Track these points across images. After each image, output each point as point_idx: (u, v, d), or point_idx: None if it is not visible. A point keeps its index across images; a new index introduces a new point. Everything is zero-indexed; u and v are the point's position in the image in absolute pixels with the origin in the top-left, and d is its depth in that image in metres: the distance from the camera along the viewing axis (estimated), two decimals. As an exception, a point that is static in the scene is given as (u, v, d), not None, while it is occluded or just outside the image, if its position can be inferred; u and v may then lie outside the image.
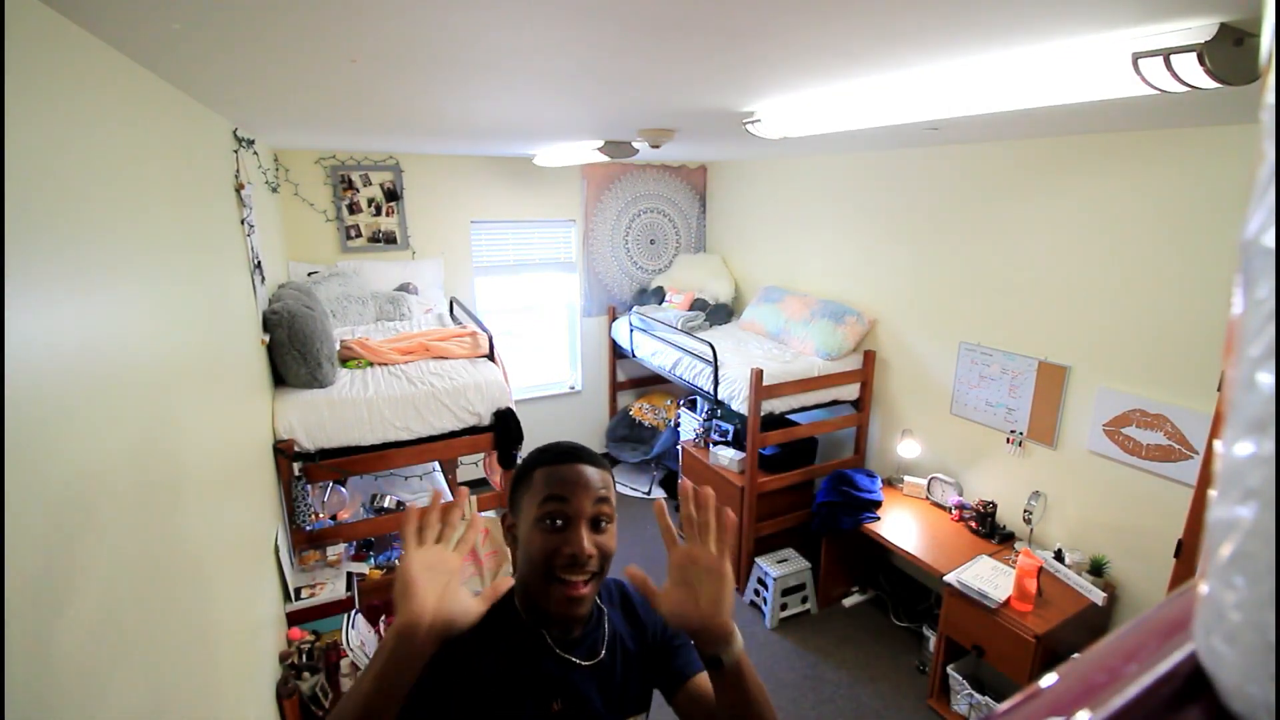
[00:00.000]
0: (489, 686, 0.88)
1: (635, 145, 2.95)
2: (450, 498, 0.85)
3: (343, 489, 3.01)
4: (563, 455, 0.93)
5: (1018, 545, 2.84)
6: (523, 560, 0.91)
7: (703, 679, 1.00)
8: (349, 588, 2.53)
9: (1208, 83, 1.02)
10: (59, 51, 0.98)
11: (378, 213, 4.10)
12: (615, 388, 5.26)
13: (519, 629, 0.93)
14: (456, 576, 0.77)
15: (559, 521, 0.88)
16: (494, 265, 4.63)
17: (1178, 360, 2.31)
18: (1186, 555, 1.98)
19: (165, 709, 1.14)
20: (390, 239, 4.18)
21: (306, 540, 2.59)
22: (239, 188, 2.27)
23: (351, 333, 3.40)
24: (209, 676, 1.43)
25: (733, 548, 0.82)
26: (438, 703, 0.85)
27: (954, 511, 3.13)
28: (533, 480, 0.92)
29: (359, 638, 2.27)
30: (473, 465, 4.41)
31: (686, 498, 0.85)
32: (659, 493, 4.81)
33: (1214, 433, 1.98)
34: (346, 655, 2.26)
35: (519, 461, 3.25)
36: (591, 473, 0.91)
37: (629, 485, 4.88)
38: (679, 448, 4.20)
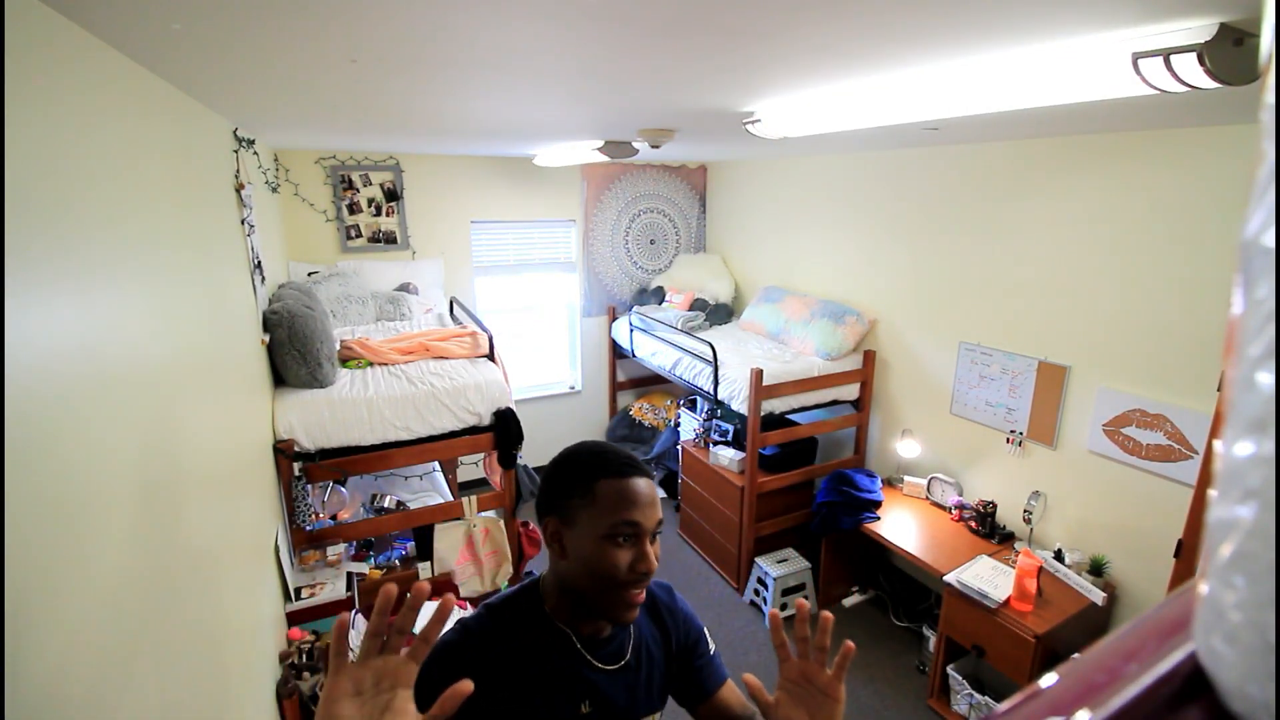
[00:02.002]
0: (519, 687, 0.89)
1: (635, 145, 2.95)
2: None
3: (343, 489, 3.01)
4: (626, 468, 0.91)
5: (1018, 545, 2.84)
6: (581, 570, 0.89)
7: (726, 691, 1.06)
8: (349, 588, 2.53)
9: (1208, 83, 1.02)
10: (59, 51, 0.98)
11: (378, 213, 4.10)
12: (615, 388, 5.26)
13: (550, 631, 0.94)
14: (401, 688, 0.64)
15: (629, 538, 0.88)
16: (494, 265, 4.63)
17: (1178, 360, 2.31)
18: (1186, 555, 1.98)
19: (175, 711, 1.14)
20: (390, 239, 4.18)
21: (306, 540, 2.59)
22: (239, 188, 2.28)
23: (351, 333, 3.40)
24: (217, 678, 1.43)
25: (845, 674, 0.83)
26: (467, 704, 0.85)
27: (954, 511, 3.13)
28: (596, 493, 0.89)
29: (359, 638, 2.27)
30: (473, 465, 4.42)
31: (804, 620, 0.86)
32: (659, 493, 4.80)
33: (1214, 433, 1.98)
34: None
35: (520, 468, 3.21)
36: (653, 487, 0.93)
37: (629, 485, 4.87)
38: (679, 448, 4.20)
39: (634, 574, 0.87)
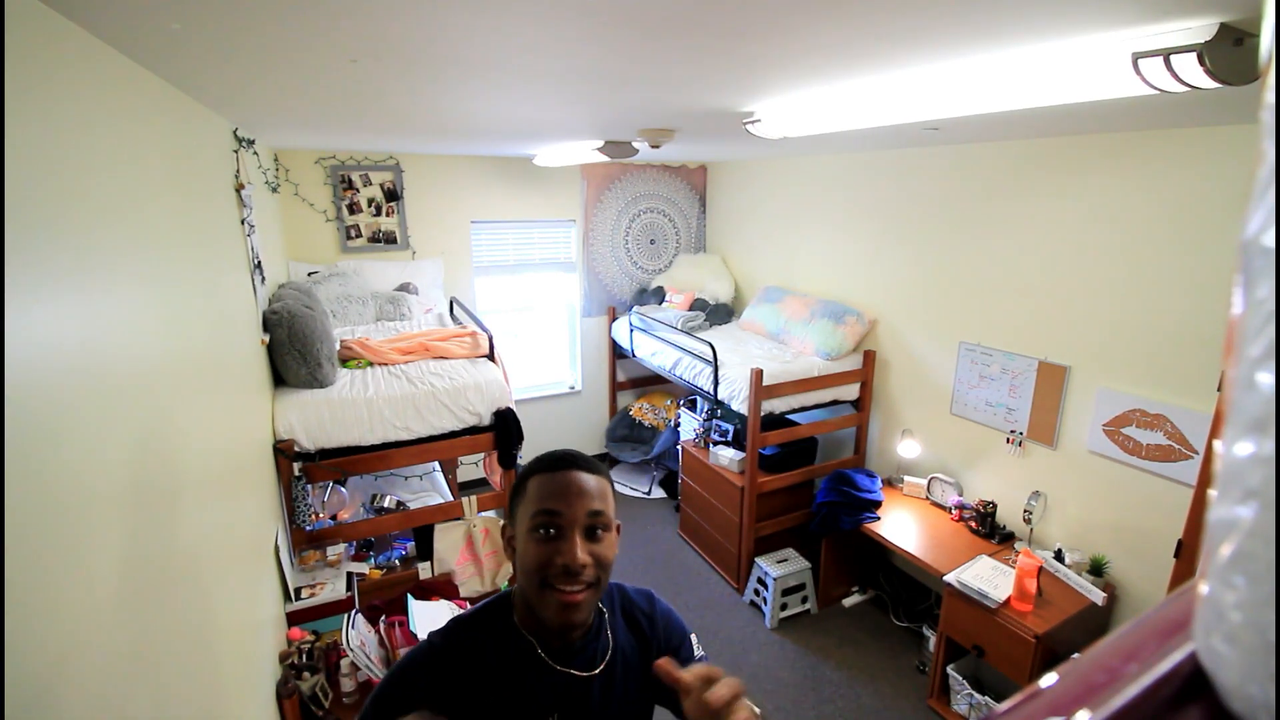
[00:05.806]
0: (485, 702, 0.87)
1: (635, 145, 2.95)
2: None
3: (343, 489, 3.01)
4: (556, 463, 0.91)
5: (1018, 545, 2.84)
6: (519, 570, 0.89)
7: None
8: (349, 588, 2.53)
9: (1208, 83, 1.02)
10: (59, 51, 0.98)
11: (378, 213, 4.10)
12: (615, 388, 5.26)
13: (516, 642, 0.92)
14: None
15: (551, 531, 0.86)
16: (494, 265, 4.63)
17: (1178, 360, 2.31)
18: (1186, 555, 1.98)
19: (176, 711, 1.14)
20: (390, 239, 4.18)
21: (306, 540, 2.59)
22: (239, 188, 2.27)
23: (351, 333, 3.40)
24: (212, 678, 1.43)
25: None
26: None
27: (954, 511, 3.13)
28: (527, 489, 0.90)
29: (359, 638, 2.27)
30: (473, 465, 4.42)
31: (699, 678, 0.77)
32: (659, 493, 4.81)
33: (1214, 433, 1.98)
34: (346, 655, 2.26)
35: (519, 468, 3.25)
36: (586, 480, 0.89)
37: (629, 485, 4.88)
38: (679, 448, 4.20)
39: (555, 569, 0.84)
